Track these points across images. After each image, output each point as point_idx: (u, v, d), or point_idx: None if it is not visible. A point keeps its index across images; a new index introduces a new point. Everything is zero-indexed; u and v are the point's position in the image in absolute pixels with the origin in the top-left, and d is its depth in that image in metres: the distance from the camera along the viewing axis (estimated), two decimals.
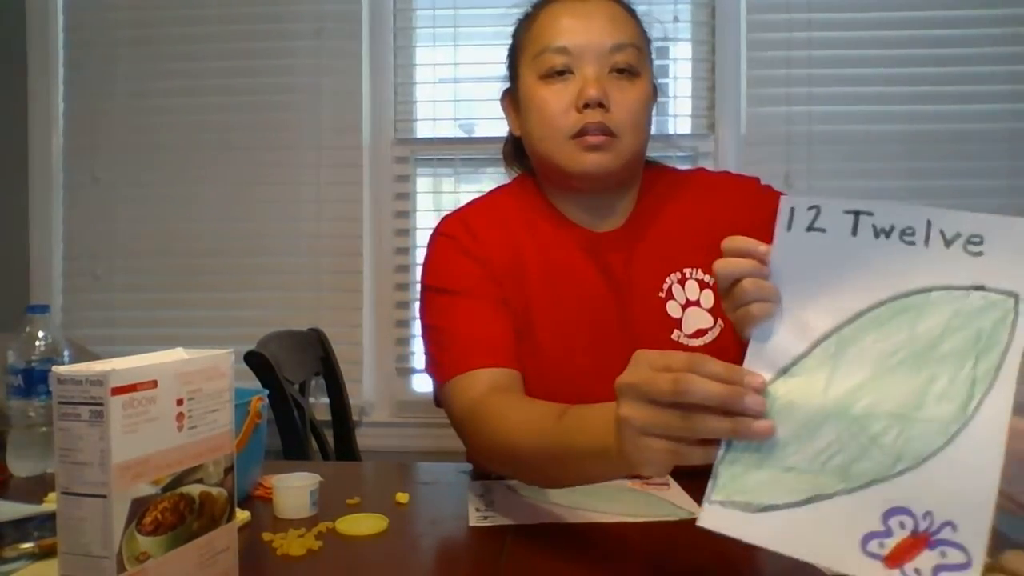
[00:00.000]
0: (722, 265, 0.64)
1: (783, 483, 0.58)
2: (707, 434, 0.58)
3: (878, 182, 2.06)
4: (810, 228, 0.61)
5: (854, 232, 0.60)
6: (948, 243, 0.58)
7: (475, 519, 0.88)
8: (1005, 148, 2.04)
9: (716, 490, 0.60)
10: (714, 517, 0.60)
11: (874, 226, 0.60)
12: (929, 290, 0.58)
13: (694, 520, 0.85)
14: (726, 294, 0.65)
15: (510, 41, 1.11)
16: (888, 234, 0.59)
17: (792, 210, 0.62)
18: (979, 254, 0.57)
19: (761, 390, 0.59)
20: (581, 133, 0.99)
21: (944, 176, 2.05)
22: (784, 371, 0.60)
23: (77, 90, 2.22)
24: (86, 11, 2.21)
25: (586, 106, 0.99)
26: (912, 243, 0.59)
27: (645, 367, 0.61)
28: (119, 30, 2.20)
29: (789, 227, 0.62)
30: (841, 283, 0.60)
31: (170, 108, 2.19)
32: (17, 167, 2.21)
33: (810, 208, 0.61)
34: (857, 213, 0.60)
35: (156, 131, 2.19)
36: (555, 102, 1.01)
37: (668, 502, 0.92)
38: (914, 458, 0.56)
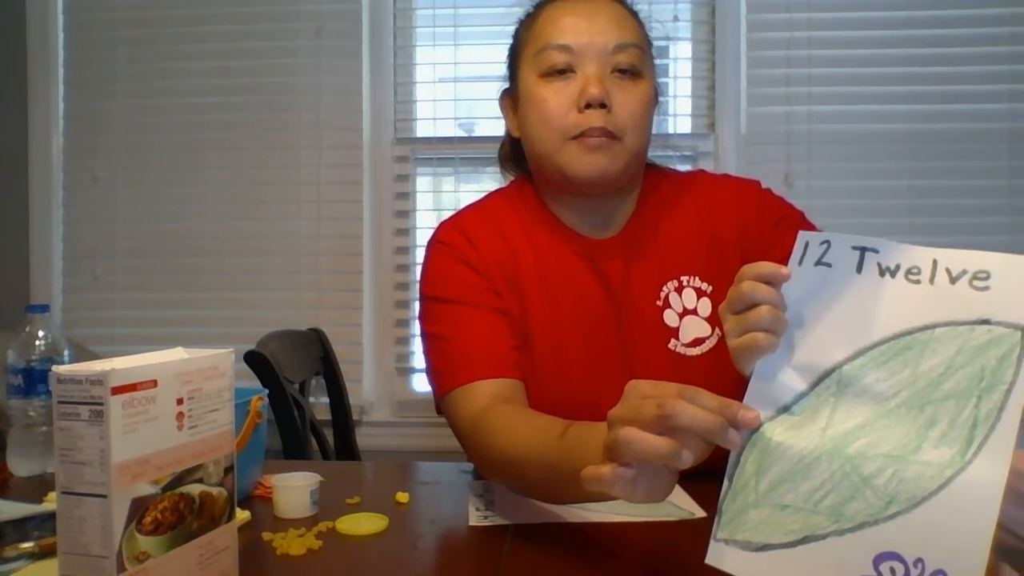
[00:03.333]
0: (750, 287, 0.63)
1: (778, 522, 0.58)
2: (642, 452, 0.58)
3: (878, 182, 2.06)
4: (818, 263, 0.61)
5: (859, 269, 0.60)
6: (954, 280, 0.57)
7: (475, 519, 0.88)
8: (1005, 148, 2.04)
9: (720, 527, 0.60)
10: (719, 555, 0.60)
11: (879, 264, 0.59)
12: (933, 327, 0.57)
13: (694, 520, 0.86)
14: (737, 317, 0.64)
15: (511, 41, 1.10)
16: (893, 273, 0.59)
17: (806, 244, 0.62)
18: (985, 289, 0.56)
19: (753, 424, 0.59)
20: (581, 136, 0.98)
21: (944, 176, 2.05)
22: (785, 408, 0.60)
23: (77, 90, 2.22)
24: (86, 11, 2.21)
25: (588, 106, 0.97)
26: (917, 281, 0.58)
27: (636, 398, 0.61)
28: (119, 30, 2.20)
29: (800, 262, 0.62)
30: (844, 320, 0.60)
31: (170, 108, 2.19)
32: (17, 167, 2.21)
33: (822, 243, 0.61)
34: (863, 250, 0.60)
35: (156, 131, 2.19)
36: (555, 101, 0.99)
37: (668, 502, 0.92)
38: (907, 501, 0.54)
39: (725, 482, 0.60)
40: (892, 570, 0.54)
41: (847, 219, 2.01)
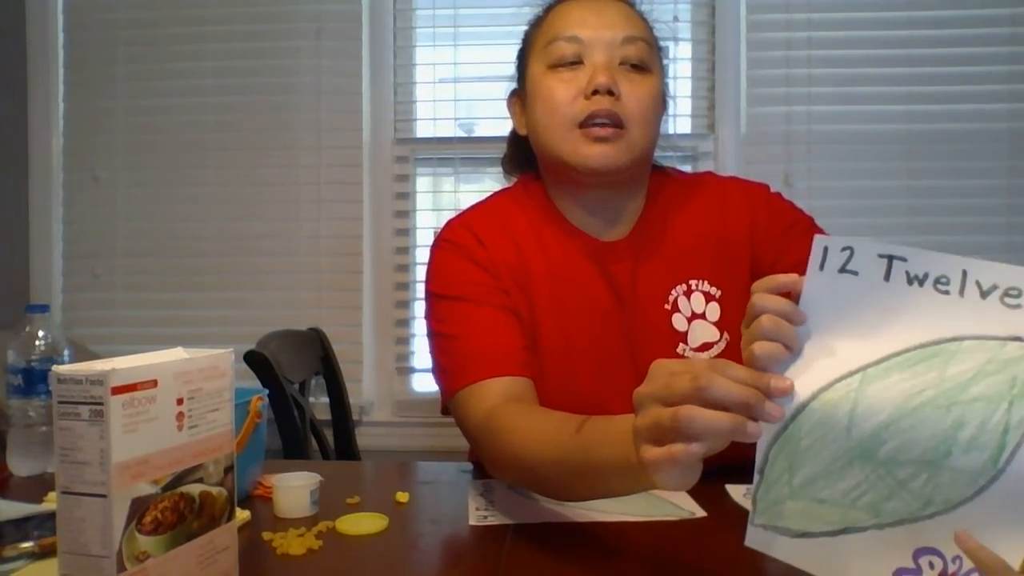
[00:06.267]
0: (758, 299, 0.61)
1: (817, 514, 0.59)
2: (707, 429, 0.56)
3: (877, 182, 2.06)
4: (842, 270, 0.60)
5: (887, 277, 0.59)
6: (984, 294, 0.56)
7: (475, 518, 0.88)
8: (1005, 148, 2.04)
9: (757, 514, 0.61)
10: (757, 538, 0.61)
11: (907, 272, 0.58)
12: (962, 339, 0.57)
13: (694, 520, 0.86)
14: (746, 328, 0.63)
15: (520, 43, 1.11)
16: (922, 282, 0.58)
17: (825, 250, 0.60)
18: (1017, 307, 0.55)
19: (788, 392, 0.58)
20: (589, 120, 0.97)
21: (943, 176, 2.05)
22: (803, 406, 0.59)
23: (77, 90, 2.22)
24: (86, 11, 2.22)
25: (595, 92, 0.97)
26: (947, 292, 0.57)
27: (665, 375, 0.60)
28: (119, 30, 2.20)
29: (821, 267, 0.60)
30: (871, 328, 0.59)
31: (170, 108, 2.19)
32: (17, 167, 2.21)
33: (844, 249, 0.60)
34: (891, 258, 0.58)
35: (156, 131, 2.19)
36: (563, 91, 0.99)
37: (669, 502, 0.92)
38: (943, 504, 0.55)
39: (756, 475, 0.61)
40: (931, 564, 0.56)
41: (847, 219, 2.01)
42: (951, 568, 0.55)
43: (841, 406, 0.58)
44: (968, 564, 0.54)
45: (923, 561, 0.56)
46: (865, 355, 0.59)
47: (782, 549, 0.60)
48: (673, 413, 0.56)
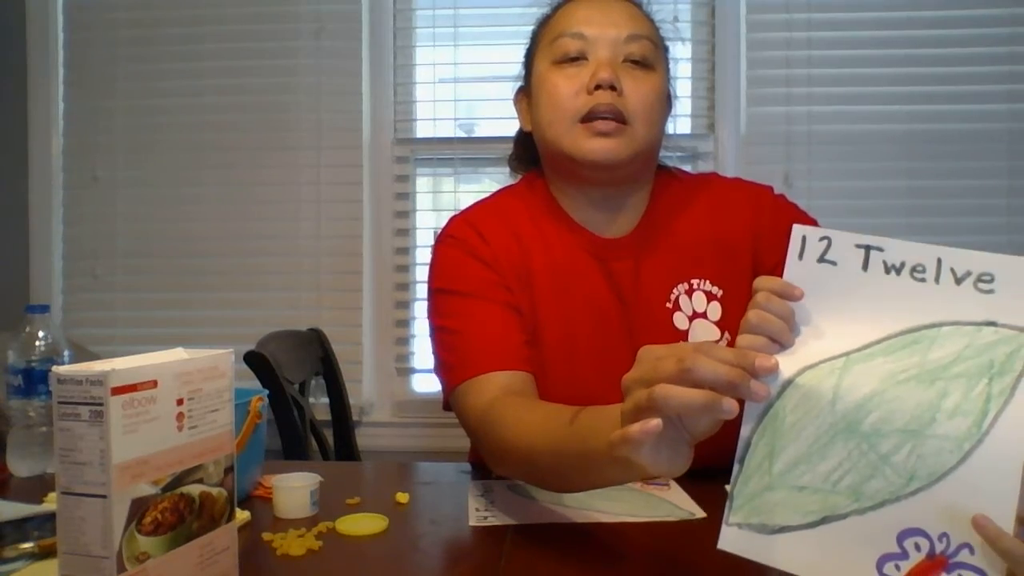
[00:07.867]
0: (760, 297, 0.62)
1: (796, 503, 0.58)
2: (681, 407, 0.56)
3: (878, 182, 2.06)
4: (821, 259, 0.61)
5: (864, 267, 0.60)
6: (958, 281, 0.58)
7: (475, 519, 0.88)
8: (1005, 148, 2.04)
9: (732, 512, 0.60)
10: (732, 539, 0.60)
11: (884, 262, 0.60)
12: (940, 325, 0.58)
13: (694, 520, 0.86)
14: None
15: (528, 42, 1.12)
16: (899, 271, 0.59)
17: (804, 239, 0.62)
18: (990, 292, 0.57)
19: (773, 371, 0.59)
20: (590, 115, 0.98)
21: (943, 176, 2.05)
22: (788, 383, 0.60)
23: (77, 90, 2.22)
24: (86, 11, 2.22)
25: (597, 88, 0.98)
26: (923, 280, 0.59)
27: (651, 359, 0.60)
28: (119, 30, 2.20)
29: (800, 256, 0.62)
30: (851, 317, 0.60)
31: (170, 108, 2.19)
32: (17, 167, 2.21)
33: (821, 239, 0.61)
34: (868, 248, 0.60)
35: (156, 131, 2.19)
36: (566, 86, 1.00)
37: (668, 502, 0.92)
38: (927, 477, 0.55)
39: (736, 466, 0.60)
40: (917, 545, 0.55)
41: (847, 219, 2.01)
42: (938, 547, 0.54)
43: (827, 381, 0.59)
44: (957, 540, 0.53)
45: (908, 543, 0.55)
46: (847, 343, 0.60)
47: (759, 549, 0.59)
48: (649, 393, 0.57)
